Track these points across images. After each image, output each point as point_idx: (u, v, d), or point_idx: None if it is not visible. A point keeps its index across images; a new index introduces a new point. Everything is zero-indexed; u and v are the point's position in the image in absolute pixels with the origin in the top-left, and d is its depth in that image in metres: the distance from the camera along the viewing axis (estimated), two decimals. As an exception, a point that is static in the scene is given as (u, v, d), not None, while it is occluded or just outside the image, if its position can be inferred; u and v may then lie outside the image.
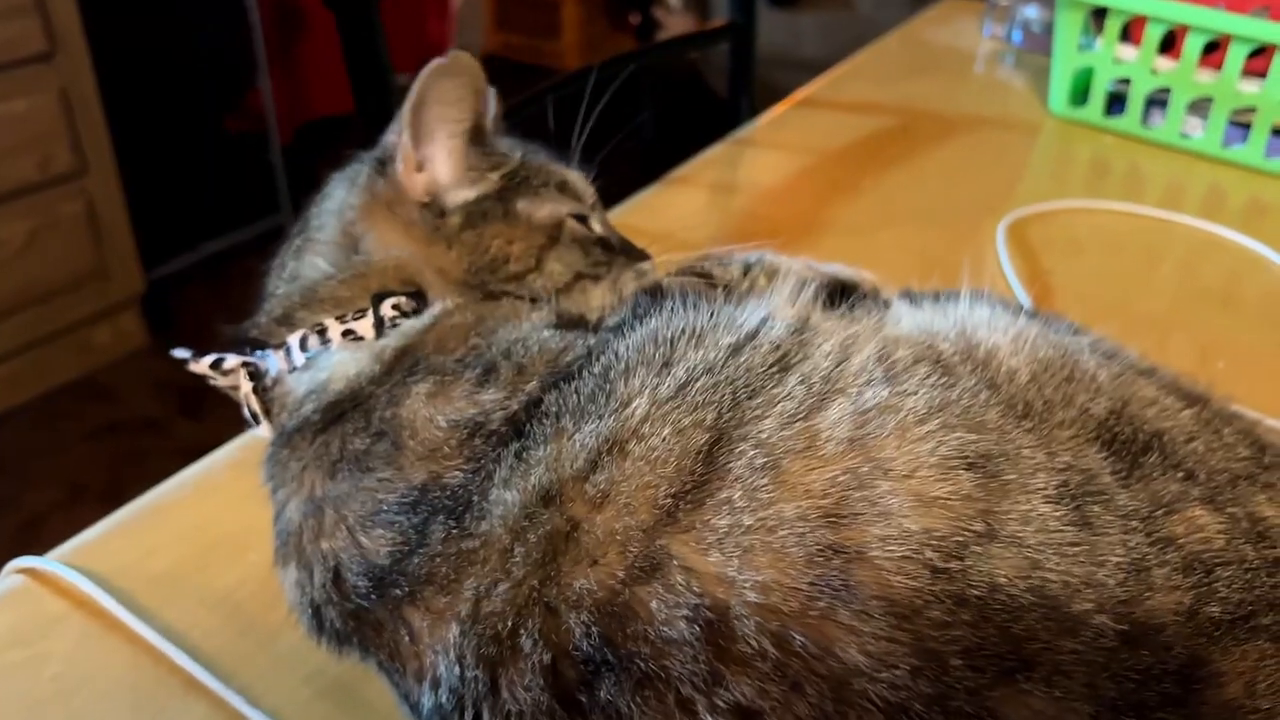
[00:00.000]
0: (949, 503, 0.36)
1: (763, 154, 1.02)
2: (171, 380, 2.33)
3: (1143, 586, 0.36)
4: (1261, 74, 0.93)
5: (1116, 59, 1.01)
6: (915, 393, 0.40)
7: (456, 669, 0.38)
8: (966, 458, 0.38)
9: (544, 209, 0.56)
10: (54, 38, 2.00)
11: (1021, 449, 0.39)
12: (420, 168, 0.54)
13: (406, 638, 0.40)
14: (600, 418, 0.40)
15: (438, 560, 0.40)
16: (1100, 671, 0.33)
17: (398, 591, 0.40)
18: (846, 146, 1.02)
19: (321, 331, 0.50)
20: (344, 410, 0.47)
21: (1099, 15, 1.01)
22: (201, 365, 0.54)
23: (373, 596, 0.41)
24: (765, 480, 0.37)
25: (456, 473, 0.42)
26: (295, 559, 0.44)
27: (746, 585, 0.35)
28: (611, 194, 0.67)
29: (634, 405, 0.40)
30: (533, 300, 0.53)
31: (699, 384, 0.41)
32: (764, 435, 0.39)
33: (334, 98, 2.76)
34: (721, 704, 0.33)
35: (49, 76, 2.02)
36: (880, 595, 0.34)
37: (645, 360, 0.43)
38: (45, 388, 2.24)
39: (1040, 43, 1.21)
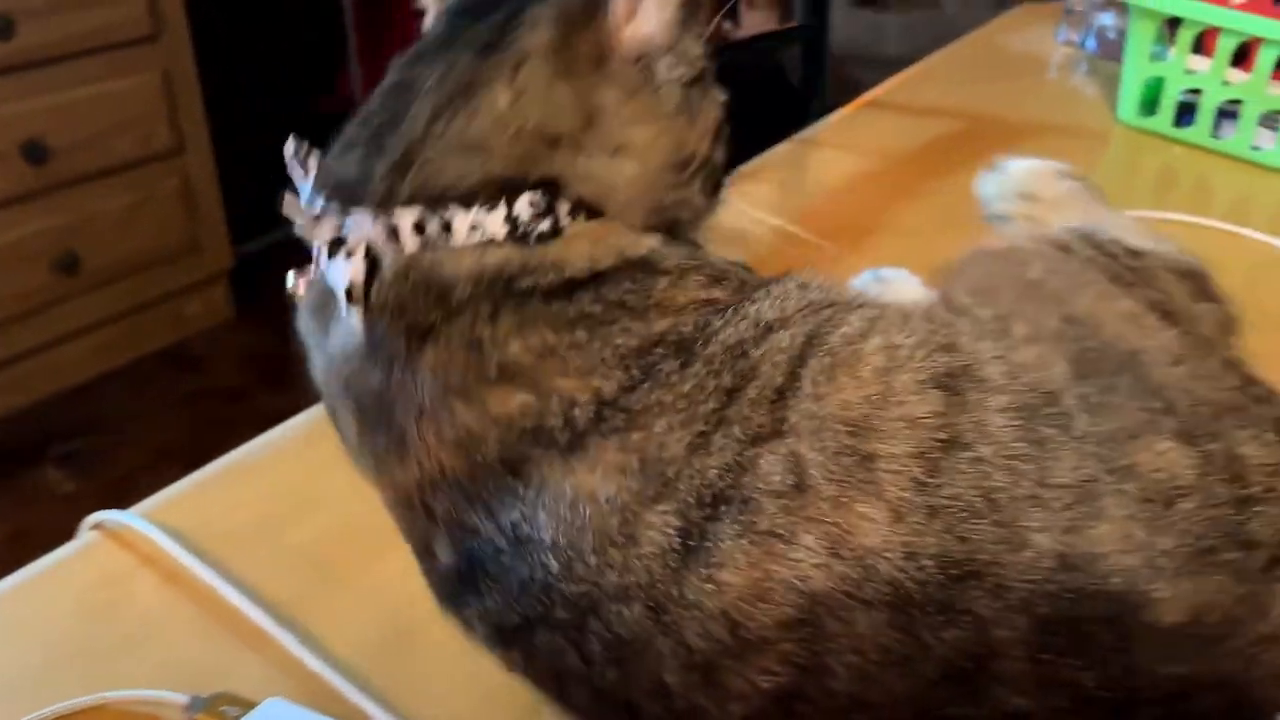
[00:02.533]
0: (924, 420, 0.40)
1: (829, 154, 1.05)
2: (256, 352, 2.42)
3: (1090, 512, 0.38)
4: (1335, 89, 0.93)
5: (1188, 69, 1.01)
6: (914, 332, 0.44)
7: None
8: (937, 377, 0.41)
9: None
10: (158, 20, 2.09)
11: (986, 365, 0.42)
12: (631, 17, 0.48)
13: None
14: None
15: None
16: (1037, 589, 0.37)
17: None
18: (913, 149, 1.04)
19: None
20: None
21: (1172, 25, 1.01)
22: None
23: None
24: (826, 381, 0.42)
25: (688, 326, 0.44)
26: None
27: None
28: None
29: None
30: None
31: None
32: (833, 344, 0.43)
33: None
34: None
35: (152, 57, 2.11)
36: (882, 499, 0.39)
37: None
38: (138, 354, 2.34)
39: (1114, 50, 1.21)
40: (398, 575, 0.54)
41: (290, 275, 0.48)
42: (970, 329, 0.45)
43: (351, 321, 0.44)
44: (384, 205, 0.45)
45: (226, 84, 2.36)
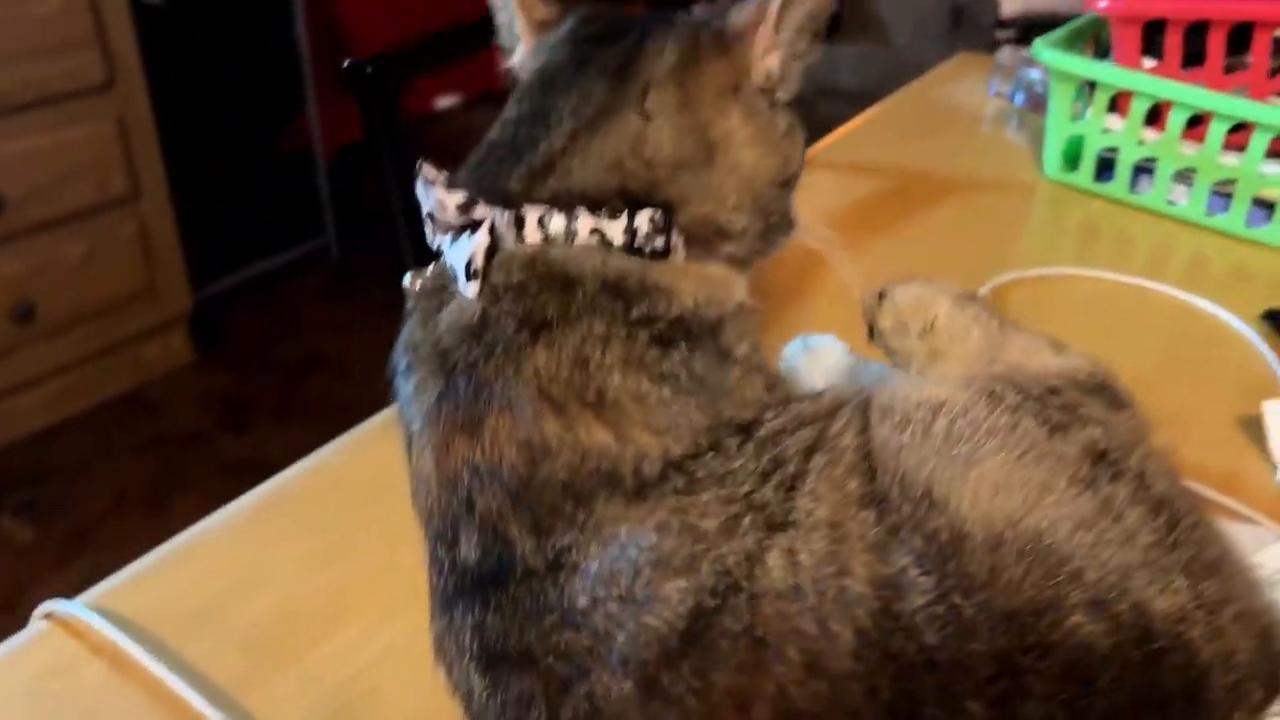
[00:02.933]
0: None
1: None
2: (215, 395, 2.43)
3: (1015, 688, 0.39)
4: (1241, 148, 0.97)
5: (1105, 129, 1.06)
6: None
7: None
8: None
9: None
10: (113, 68, 2.11)
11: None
12: (768, 51, 0.54)
13: None
14: None
15: None
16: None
17: None
18: (848, 208, 1.08)
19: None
20: None
21: (1091, 85, 1.06)
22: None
23: None
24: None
25: None
26: None
27: None
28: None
29: None
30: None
31: None
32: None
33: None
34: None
35: (107, 105, 2.13)
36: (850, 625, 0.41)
37: None
38: (97, 400, 2.34)
39: (1042, 104, 1.25)
40: (341, 654, 0.57)
41: (408, 275, 0.52)
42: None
43: (469, 294, 0.48)
44: (515, 202, 0.49)
45: (184, 127, 2.38)
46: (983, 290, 0.90)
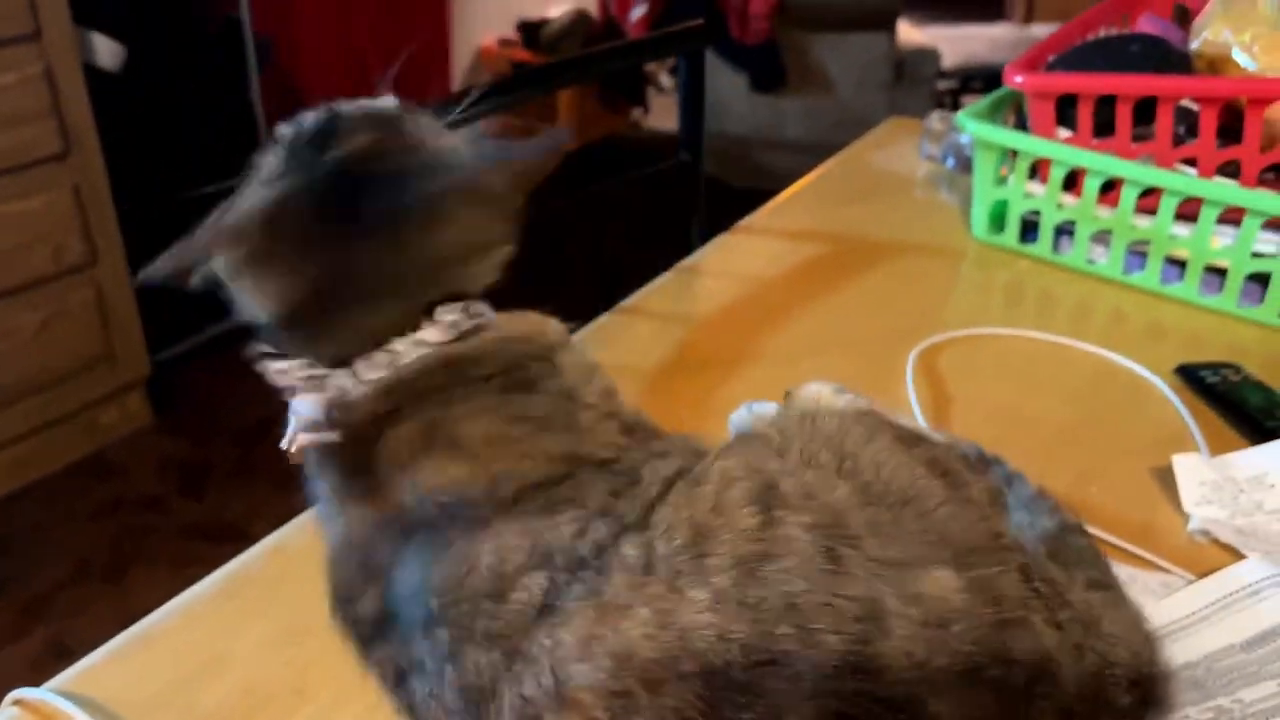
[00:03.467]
0: (749, 533, 0.49)
1: (708, 282, 1.13)
2: (173, 459, 2.43)
3: (878, 629, 0.45)
4: (1153, 211, 1.03)
5: (1027, 193, 1.12)
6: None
7: None
8: (760, 499, 0.50)
9: None
10: (69, 137, 2.14)
11: (789, 495, 0.51)
12: None
13: None
14: None
15: None
16: (826, 685, 0.44)
17: None
18: (783, 274, 1.13)
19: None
20: None
21: (1014, 152, 1.12)
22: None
23: None
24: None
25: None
26: None
27: None
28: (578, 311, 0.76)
29: None
30: None
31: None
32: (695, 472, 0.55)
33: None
34: None
35: (63, 174, 2.15)
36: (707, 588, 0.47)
37: None
38: (53, 468, 2.34)
39: (971, 167, 1.32)
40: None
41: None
42: (767, 451, 0.56)
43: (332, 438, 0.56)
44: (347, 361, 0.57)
45: (140, 191, 2.40)
46: (911, 354, 0.95)
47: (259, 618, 0.68)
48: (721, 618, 0.45)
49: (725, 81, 3.61)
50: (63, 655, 1.95)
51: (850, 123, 3.86)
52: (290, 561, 0.72)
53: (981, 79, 4.01)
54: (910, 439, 0.57)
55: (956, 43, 4.09)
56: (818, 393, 0.77)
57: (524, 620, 0.47)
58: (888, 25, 3.61)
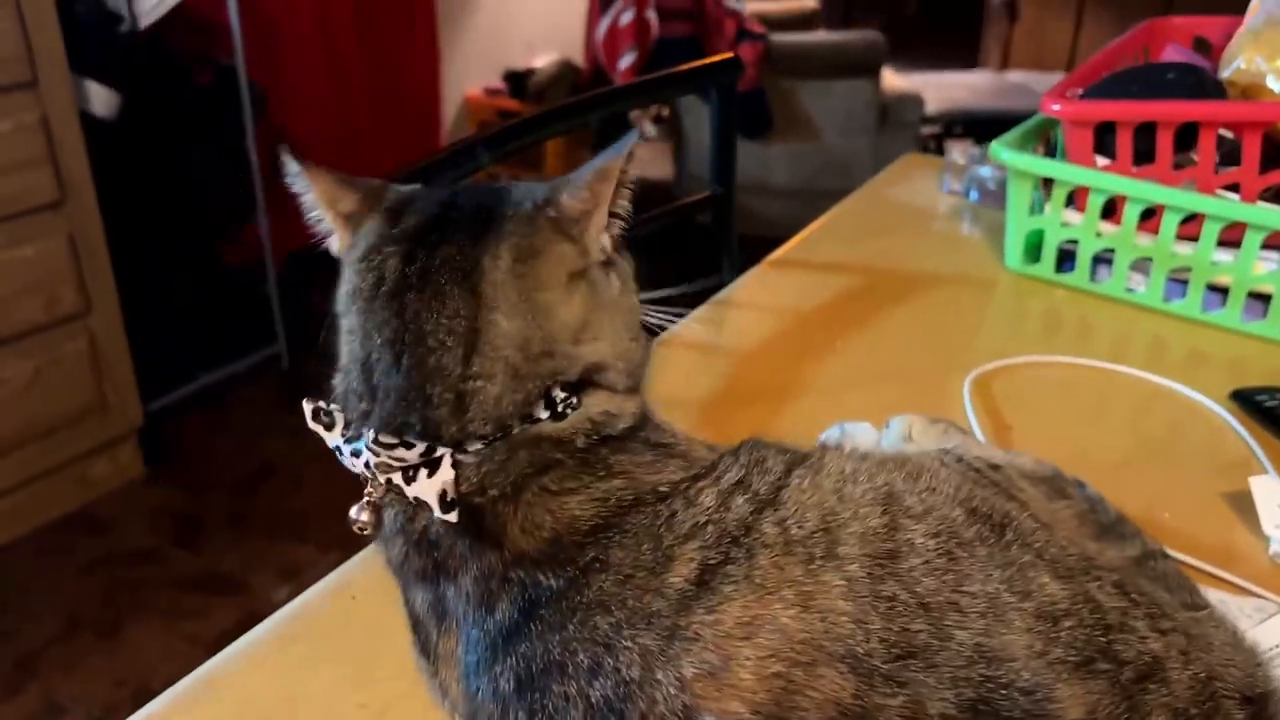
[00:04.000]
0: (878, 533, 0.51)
1: (744, 315, 1.11)
2: (167, 510, 2.38)
3: (1000, 622, 0.47)
4: (1194, 238, 1.03)
5: (1064, 222, 1.11)
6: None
7: None
8: (884, 503, 0.53)
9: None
10: (64, 186, 2.11)
11: (911, 506, 0.53)
12: (601, 232, 0.58)
13: None
14: None
15: None
16: (960, 675, 0.45)
17: None
18: (818, 307, 1.11)
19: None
20: None
21: (1047, 182, 1.12)
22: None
23: None
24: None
25: None
26: None
27: None
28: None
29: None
30: None
31: None
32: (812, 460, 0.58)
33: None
34: None
35: (58, 223, 2.12)
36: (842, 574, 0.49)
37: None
38: (43, 521, 2.28)
39: (995, 199, 1.32)
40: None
41: (354, 510, 0.55)
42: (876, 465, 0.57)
43: (449, 518, 0.53)
44: (457, 439, 0.53)
45: (135, 240, 2.37)
46: (966, 380, 0.94)
47: (325, 663, 0.64)
48: (857, 607, 0.47)
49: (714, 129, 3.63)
50: (56, 713, 1.89)
51: (835, 168, 3.91)
52: (355, 604, 0.69)
53: (963, 123, 4.06)
54: (990, 485, 0.60)
55: (938, 89, 4.14)
56: (911, 422, 0.79)
57: (681, 599, 0.47)
58: (872, 72, 3.65)
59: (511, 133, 0.97)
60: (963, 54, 5.34)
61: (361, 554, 0.71)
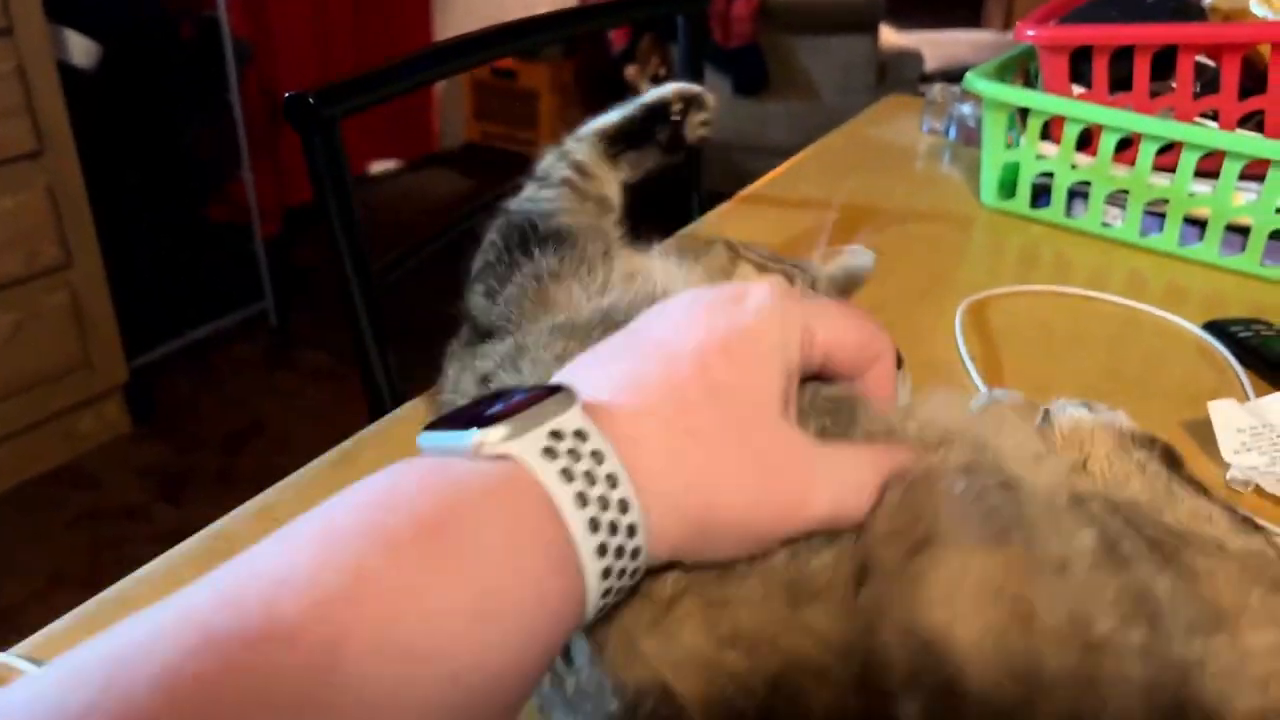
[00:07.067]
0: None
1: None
2: (152, 467, 2.37)
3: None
4: (1171, 169, 1.00)
5: (1039, 155, 1.08)
6: None
7: None
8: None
9: None
10: (42, 136, 2.08)
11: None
12: None
13: None
14: None
15: None
16: None
17: None
18: (788, 240, 1.08)
19: None
20: None
21: (1023, 114, 1.08)
22: None
23: None
24: None
25: None
26: None
27: None
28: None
29: None
30: None
31: None
32: None
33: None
34: None
35: (37, 174, 2.09)
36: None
37: None
38: (28, 475, 2.27)
39: (975, 137, 1.29)
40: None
41: None
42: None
43: None
44: None
45: (117, 194, 2.35)
46: (959, 310, 0.91)
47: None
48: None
49: (710, 87, 3.58)
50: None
51: (833, 125, 3.85)
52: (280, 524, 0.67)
53: (961, 81, 4.00)
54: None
55: (938, 47, 4.09)
56: (1081, 430, 0.60)
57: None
58: (870, 28, 3.60)
59: (480, 43, 0.95)
60: (964, 14, 5.27)
61: (285, 481, 0.69)
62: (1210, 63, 1.01)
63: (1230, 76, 0.97)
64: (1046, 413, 0.61)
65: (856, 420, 0.46)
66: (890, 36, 3.80)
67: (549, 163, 0.75)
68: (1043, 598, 0.38)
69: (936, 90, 1.36)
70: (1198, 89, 1.01)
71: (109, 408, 2.39)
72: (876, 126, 1.42)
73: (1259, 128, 1.00)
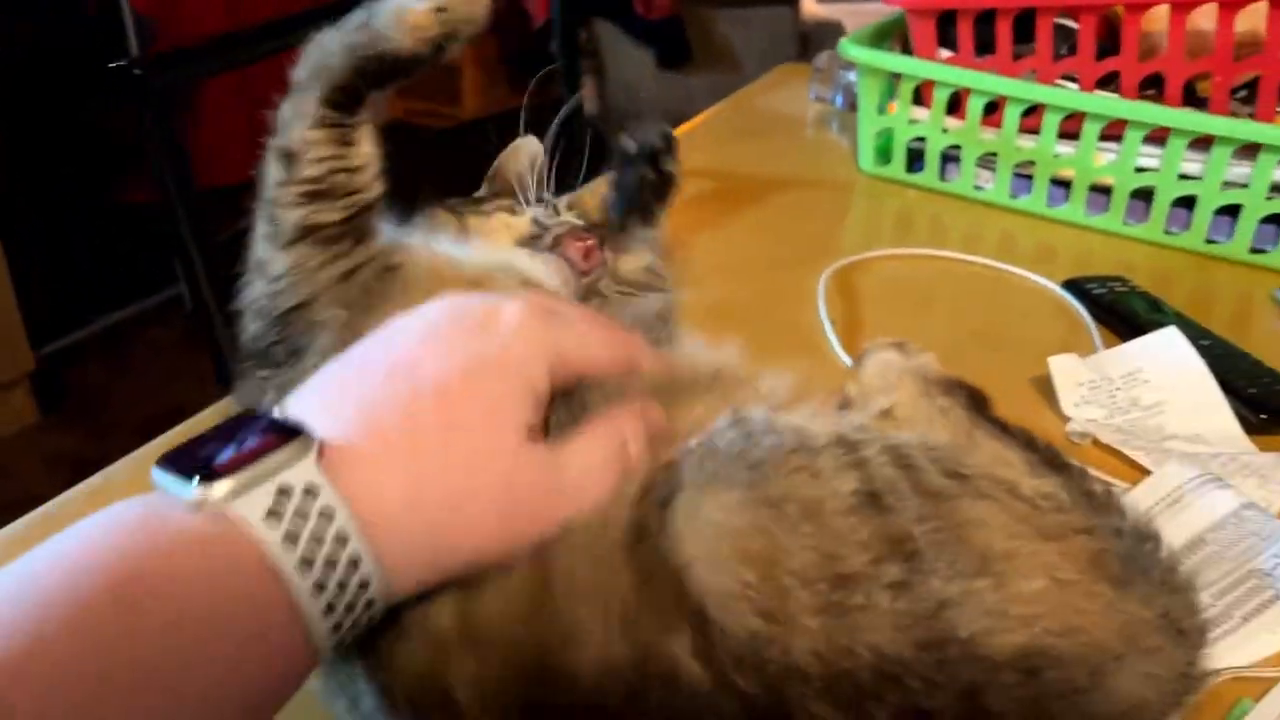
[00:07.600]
0: None
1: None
2: (65, 456, 2.32)
3: None
4: (1036, 130, 1.02)
5: (912, 120, 1.09)
6: None
7: None
8: None
9: None
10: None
11: None
12: None
13: None
14: None
15: None
16: None
17: None
18: (674, 209, 1.09)
19: None
20: None
21: (897, 80, 1.09)
22: None
23: None
24: None
25: None
26: None
27: None
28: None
29: None
30: None
31: None
32: None
33: (223, 169, 2.80)
34: None
35: (-71, 159, 2.04)
36: None
37: None
38: (-67, 470, 2.22)
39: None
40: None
41: None
42: None
43: None
44: None
45: (16, 177, 2.29)
46: (822, 277, 0.92)
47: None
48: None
49: (633, 60, 3.57)
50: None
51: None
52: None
53: (887, 53, 4.02)
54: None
55: (860, 16, 4.08)
56: (888, 375, 0.60)
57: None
58: (791, -1, 3.61)
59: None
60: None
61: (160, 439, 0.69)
62: (1073, 24, 1.02)
63: (1087, 38, 0.98)
64: (861, 355, 0.62)
65: (585, 401, 0.47)
66: (811, 7, 3.80)
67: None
68: (788, 536, 0.39)
69: (824, 58, 1.37)
70: (1063, 51, 1.03)
71: (15, 397, 2.34)
72: (766, 95, 1.43)
73: (1119, 88, 1.02)
